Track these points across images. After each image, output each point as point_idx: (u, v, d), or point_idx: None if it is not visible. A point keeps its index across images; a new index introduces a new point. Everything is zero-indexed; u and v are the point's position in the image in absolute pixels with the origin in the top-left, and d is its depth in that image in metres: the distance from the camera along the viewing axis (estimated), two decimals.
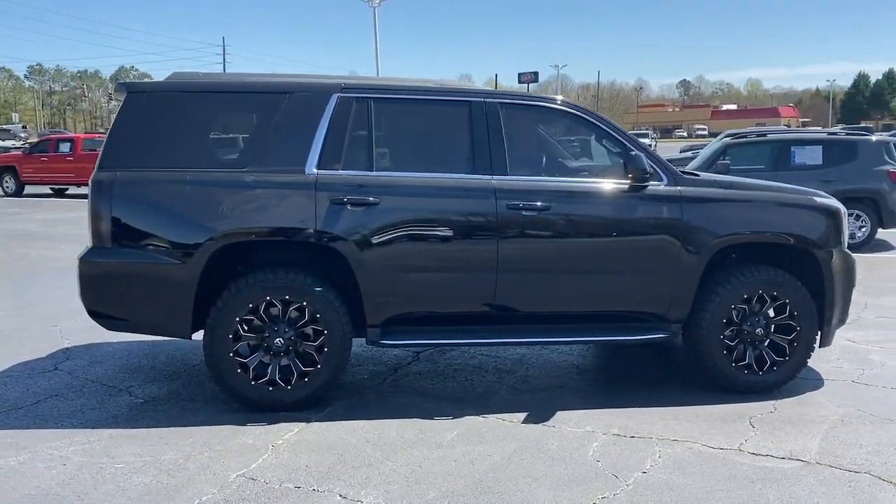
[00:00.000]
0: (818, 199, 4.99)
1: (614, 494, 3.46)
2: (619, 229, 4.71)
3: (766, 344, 4.83)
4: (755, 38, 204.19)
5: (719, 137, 13.56)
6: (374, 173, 4.52)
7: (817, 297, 4.85)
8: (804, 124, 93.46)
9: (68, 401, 4.65)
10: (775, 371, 4.83)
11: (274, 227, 4.42)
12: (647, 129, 59.63)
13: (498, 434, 4.15)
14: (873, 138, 11.77)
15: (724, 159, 11.45)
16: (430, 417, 4.40)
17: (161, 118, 4.46)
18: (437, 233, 4.51)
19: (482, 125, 4.61)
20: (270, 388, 4.41)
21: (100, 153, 4.42)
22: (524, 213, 4.54)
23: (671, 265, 4.68)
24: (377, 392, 4.86)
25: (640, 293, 4.74)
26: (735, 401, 4.67)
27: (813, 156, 11.24)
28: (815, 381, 5.03)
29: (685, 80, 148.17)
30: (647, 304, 4.76)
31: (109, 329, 4.58)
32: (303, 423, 4.29)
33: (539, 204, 4.55)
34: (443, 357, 5.54)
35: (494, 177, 4.58)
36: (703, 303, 4.73)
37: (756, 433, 4.17)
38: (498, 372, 5.28)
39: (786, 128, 33.03)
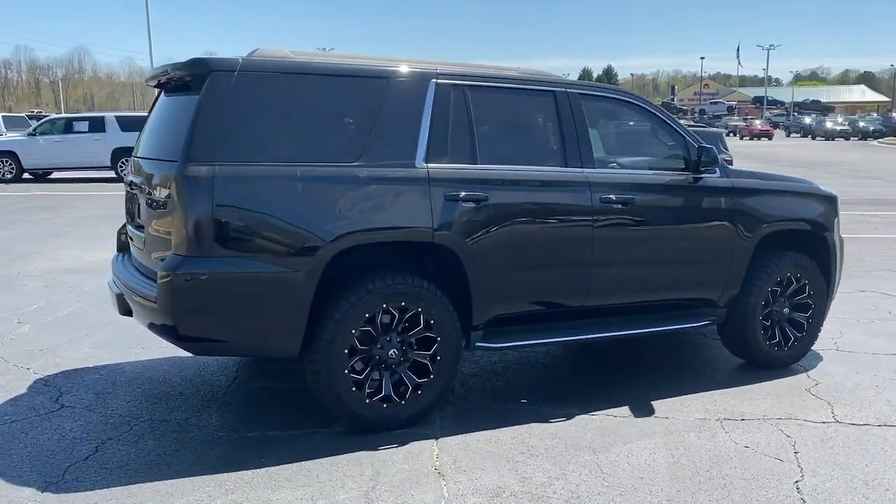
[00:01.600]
0: (822, 188, 5.56)
1: (819, 484, 3.63)
2: (688, 219, 4.90)
3: (787, 321, 5.33)
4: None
5: None
6: (478, 167, 4.25)
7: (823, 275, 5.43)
8: None
9: (133, 444, 3.84)
10: (796, 346, 5.34)
11: (394, 226, 3.99)
12: None
13: (630, 431, 4.13)
14: (717, 130, 13.26)
15: None
16: (546, 420, 4.26)
17: (256, 102, 3.80)
18: (541, 228, 4.39)
19: (568, 116, 4.54)
20: (385, 406, 4.01)
21: (183, 141, 3.69)
22: (614, 206, 4.56)
23: (728, 252, 4.97)
24: (461, 399, 4.60)
25: (703, 280, 4.97)
26: (767, 377, 5.07)
27: None
28: (813, 354, 5.61)
29: None
30: (706, 291, 5.00)
31: (198, 354, 3.90)
32: (432, 440, 3.96)
33: (626, 196, 4.59)
34: (473, 356, 5.37)
35: (585, 169, 4.54)
36: (749, 287, 5.09)
37: (831, 404, 4.58)
38: (546, 367, 5.24)
39: None
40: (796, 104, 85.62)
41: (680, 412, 4.42)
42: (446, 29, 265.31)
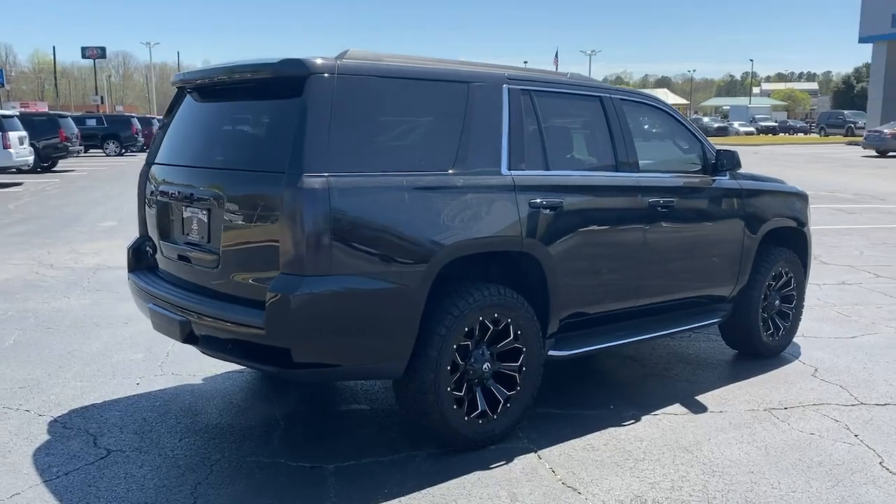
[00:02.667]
0: (798, 188, 6.04)
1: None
2: (711, 220, 5.17)
3: (776, 313, 5.75)
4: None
5: None
6: (553, 173, 4.24)
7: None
8: None
9: (227, 486, 3.47)
10: (784, 336, 5.78)
11: (492, 235, 3.87)
12: None
13: (703, 428, 4.28)
14: None
15: None
16: (619, 424, 4.32)
17: (356, 107, 3.53)
18: (604, 232, 4.46)
19: (615, 120, 4.64)
20: (480, 422, 3.90)
21: (291, 151, 3.36)
22: (659, 209, 4.71)
23: (740, 250, 5.29)
24: None
25: (720, 277, 5.25)
26: (769, 366, 5.44)
27: None
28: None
29: None
30: (722, 287, 5.28)
31: (305, 380, 3.60)
32: (532, 453, 3.90)
33: (667, 199, 4.76)
34: None
35: (634, 174, 4.66)
36: (753, 282, 5.45)
37: (844, 388, 4.99)
38: (566, 373, 5.31)
39: None
40: None
41: (728, 406, 4.64)
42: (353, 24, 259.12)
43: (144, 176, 4.47)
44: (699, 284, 5.16)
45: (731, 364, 5.58)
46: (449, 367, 3.73)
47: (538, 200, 4.05)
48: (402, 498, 3.40)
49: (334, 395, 4.73)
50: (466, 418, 3.84)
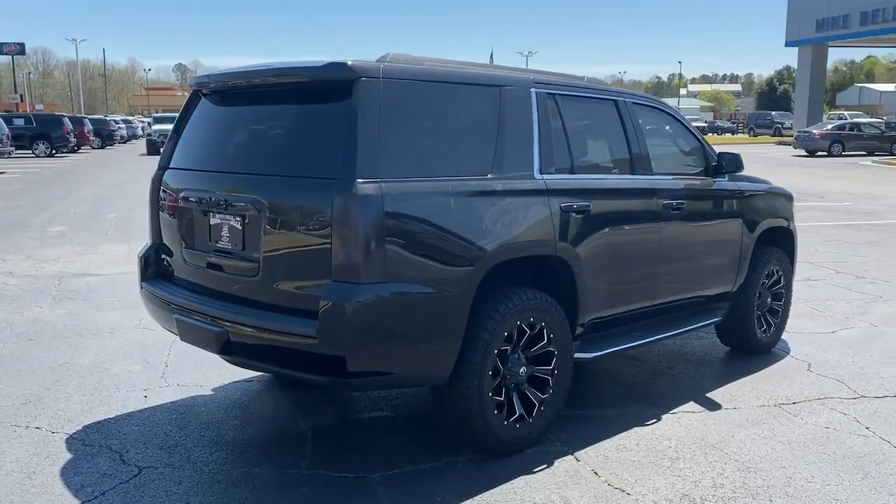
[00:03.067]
0: (784, 188, 6.24)
1: None
2: (716, 220, 5.32)
3: (767, 310, 5.94)
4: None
5: None
6: (580, 177, 4.30)
7: None
8: None
9: (286, 501, 3.37)
10: (774, 332, 5.97)
11: (530, 240, 3.89)
12: None
13: (723, 425, 4.38)
14: None
15: None
16: (642, 424, 4.39)
17: (402, 112, 3.49)
18: (625, 234, 4.52)
19: (630, 124, 4.72)
20: (518, 425, 3.91)
21: (343, 156, 3.29)
22: (672, 211, 4.81)
23: (739, 249, 5.44)
24: None
25: (724, 276, 5.39)
26: (763, 363, 5.62)
27: None
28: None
29: (180, 63, 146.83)
30: (724, 285, 5.42)
31: (358, 389, 3.58)
32: (569, 455, 3.93)
33: (679, 202, 4.87)
34: None
35: (649, 176, 4.75)
36: (749, 281, 5.61)
37: (841, 381, 5.18)
38: (587, 368, 5.37)
39: None
40: None
41: (739, 402, 4.77)
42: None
43: (158, 182, 4.31)
44: (705, 283, 5.28)
45: (729, 361, 5.73)
46: (490, 372, 3.73)
47: (569, 204, 4.09)
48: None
49: (354, 403, 4.67)
50: (506, 423, 3.84)
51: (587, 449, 4.02)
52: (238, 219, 3.70)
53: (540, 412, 4.01)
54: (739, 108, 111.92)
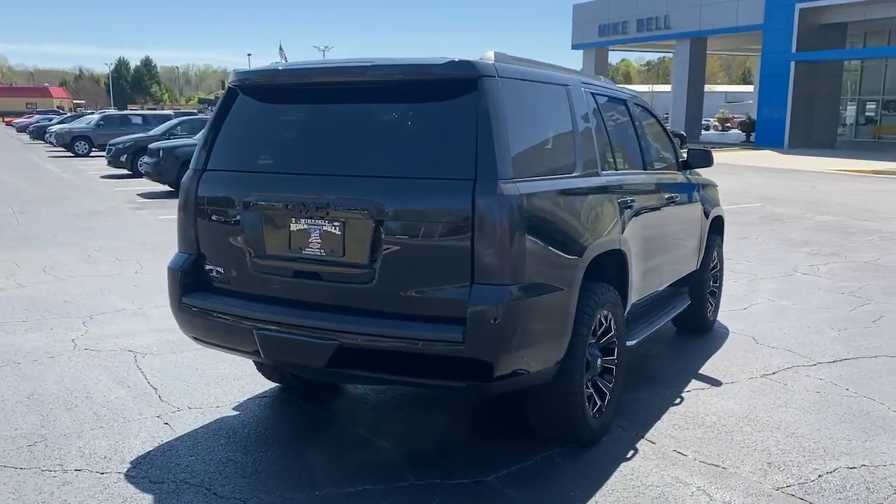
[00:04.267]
0: (711, 179, 6.89)
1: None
2: (690, 210, 5.77)
3: (710, 292, 6.56)
4: None
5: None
6: (623, 173, 4.51)
7: None
8: (77, 106, 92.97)
9: None
10: (713, 312, 6.61)
11: (611, 236, 4.05)
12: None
13: (736, 399, 4.80)
14: None
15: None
16: (672, 404, 4.70)
17: (515, 112, 3.46)
18: (652, 227, 4.84)
19: (639, 123, 5.05)
20: (597, 416, 4.04)
21: (482, 157, 3.20)
22: (672, 203, 5.24)
23: (700, 233, 5.97)
24: None
25: (693, 258, 5.87)
26: (716, 340, 6.21)
27: None
28: None
29: None
30: (693, 266, 5.91)
31: (498, 391, 3.52)
32: (643, 440, 4.13)
33: (673, 195, 5.26)
34: None
35: (657, 173, 5.10)
36: (703, 265, 6.17)
37: (793, 351, 5.85)
38: None
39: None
40: None
41: (731, 376, 5.24)
42: None
43: (194, 185, 3.91)
44: (685, 266, 5.74)
45: (686, 341, 6.19)
46: (584, 366, 3.83)
47: (623, 199, 4.29)
48: (595, 499, 3.46)
49: (381, 411, 4.54)
50: (592, 414, 3.96)
51: (650, 431, 4.25)
52: (337, 223, 3.48)
53: (609, 401, 4.17)
54: None
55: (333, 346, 3.40)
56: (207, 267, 3.92)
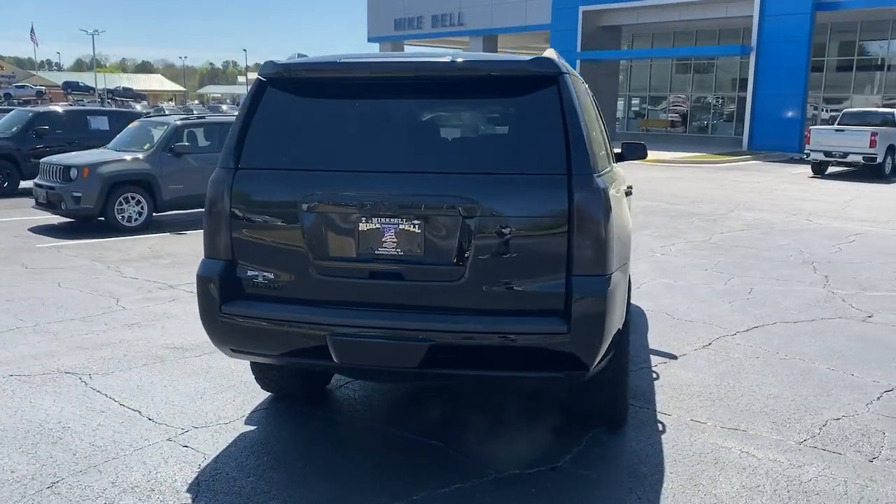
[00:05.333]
0: None
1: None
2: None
3: None
4: None
5: (162, 119, 12.84)
6: (615, 165, 4.80)
7: None
8: None
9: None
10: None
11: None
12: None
13: (712, 368, 5.31)
14: None
15: (182, 141, 11.42)
16: (655, 378, 5.09)
17: (584, 108, 3.63)
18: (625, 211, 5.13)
19: (599, 113, 5.33)
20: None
21: (574, 152, 3.31)
22: (627, 193, 5.56)
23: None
24: None
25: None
26: (641, 321, 6.79)
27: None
28: None
29: None
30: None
31: (584, 379, 3.56)
32: (666, 416, 4.44)
33: (629, 185, 5.63)
34: None
35: (619, 163, 5.43)
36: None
37: (710, 324, 6.53)
38: None
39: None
40: (109, 91, 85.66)
41: (678, 350, 5.75)
42: None
43: (228, 185, 3.60)
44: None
45: None
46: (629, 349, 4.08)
47: (627, 189, 4.58)
48: (666, 472, 3.70)
49: (393, 406, 4.49)
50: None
51: (657, 406, 4.58)
52: (417, 222, 3.39)
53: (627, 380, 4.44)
54: None
55: (426, 347, 3.33)
56: (249, 273, 3.63)
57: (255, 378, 4.44)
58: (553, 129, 3.38)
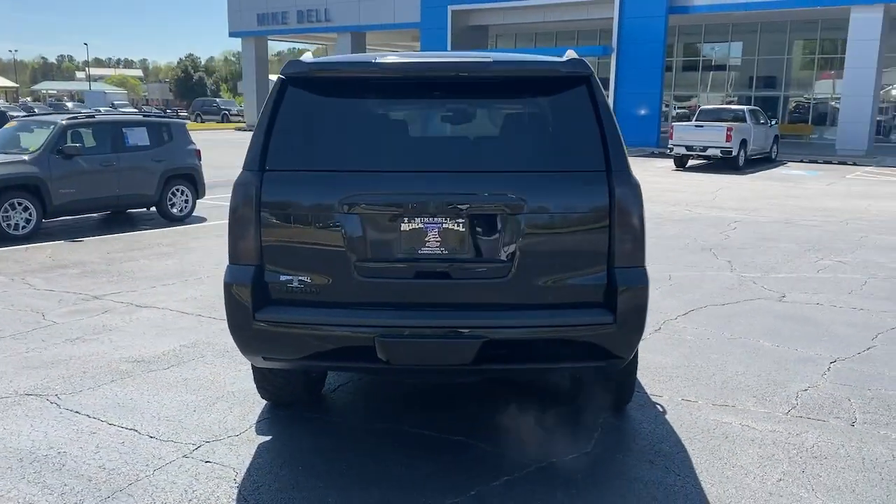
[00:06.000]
0: None
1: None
2: None
3: None
4: None
5: (44, 118, 11.69)
6: None
7: None
8: None
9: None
10: None
11: None
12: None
13: (705, 323, 5.64)
14: (179, 120, 12.99)
15: (71, 142, 10.65)
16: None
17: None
18: None
19: None
20: None
21: (611, 149, 3.45)
22: None
23: None
24: None
25: None
26: None
27: (142, 137, 11.69)
28: None
29: None
30: None
31: (615, 369, 3.71)
32: (660, 399, 4.69)
33: None
34: None
35: None
36: None
37: (653, 311, 6.88)
38: None
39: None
40: None
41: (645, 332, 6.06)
42: None
43: (257, 188, 3.47)
44: None
45: None
46: None
47: None
48: (685, 448, 3.93)
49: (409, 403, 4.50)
50: None
51: (648, 389, 4.83)
52: (461, 220, 3.42)
53: None
54: (147, 93, 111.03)
55: (479, 343, 3.38)
56: (282, 278, 3.52)
57: (258, 386, 4.29)
58: (589, 127, 3.51)
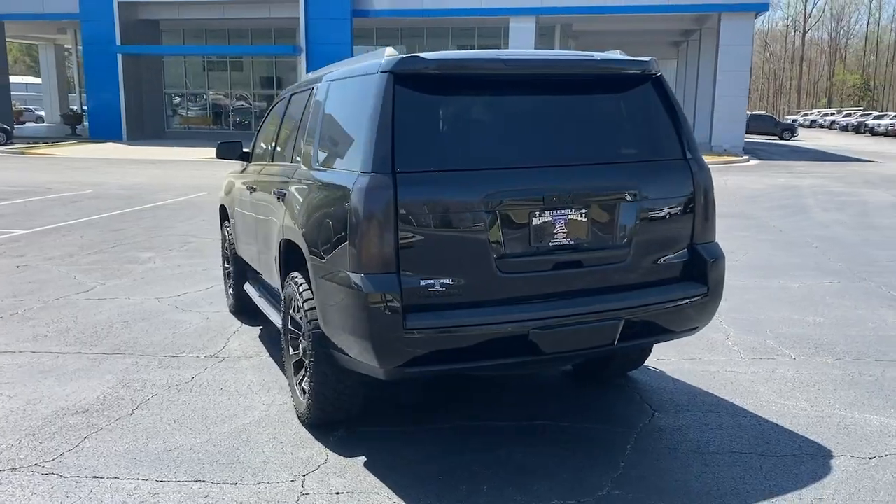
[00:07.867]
0: None
1: None
2: None
3: None
4: None
5: None
6: None
7: None
8: None
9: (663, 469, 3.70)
10: None
11: None
12: None
13: None
14: None
15: None
16: None
17: None
18: None
19: None
20: None
21: (684, 141, 3.86)
22: None
23: None
24: None
25: None
26: None
27: None
28: None
29: None
30: None
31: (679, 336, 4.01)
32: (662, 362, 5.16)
33: None
34: None
35: None
36: None
37: None
38: None
39: None
40: None
41: None
42: None
43: (392, 192, 3.27)
44: None
45: None
46: None
47: None
48: (721, 395, 4.49)
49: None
50: None
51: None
52: (583, 211, 3.57)
53: None
54: None
55: (621, 324, 3.56)
56: (423, 282, 3.30)
57: (316, 408, 3.86)
58: (666, 120, 3.87)
